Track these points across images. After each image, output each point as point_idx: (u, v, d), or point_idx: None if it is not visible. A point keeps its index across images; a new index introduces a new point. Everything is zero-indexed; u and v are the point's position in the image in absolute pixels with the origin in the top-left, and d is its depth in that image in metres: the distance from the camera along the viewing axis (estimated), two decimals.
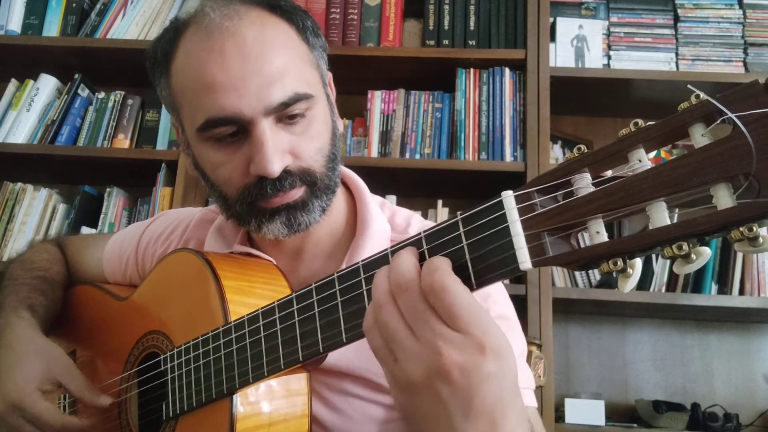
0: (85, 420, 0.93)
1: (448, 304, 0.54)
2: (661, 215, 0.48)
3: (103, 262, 1.15)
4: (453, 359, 0.53)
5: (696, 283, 2.08)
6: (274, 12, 0.85)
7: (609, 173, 0.52)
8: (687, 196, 0.47)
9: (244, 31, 0.81)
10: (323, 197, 0.86)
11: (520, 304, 1.97)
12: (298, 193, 0.83)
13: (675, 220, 0.47)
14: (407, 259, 0.58)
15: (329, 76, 0.95)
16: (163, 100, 0.92)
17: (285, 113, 0.81)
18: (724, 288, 2.07)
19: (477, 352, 0.53)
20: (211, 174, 0.87)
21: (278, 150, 0.80)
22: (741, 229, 0.44)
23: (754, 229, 0.43)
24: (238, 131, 0.81)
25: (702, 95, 0.46)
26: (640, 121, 0.50)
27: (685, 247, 0.46)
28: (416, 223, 0.99)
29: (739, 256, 2.08)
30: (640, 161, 0.49)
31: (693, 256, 0.47)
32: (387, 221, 0.96)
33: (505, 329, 0.87)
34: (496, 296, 0.91)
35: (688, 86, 0.46)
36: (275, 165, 0.79)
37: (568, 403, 2.05)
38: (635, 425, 2.10)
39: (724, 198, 0.45)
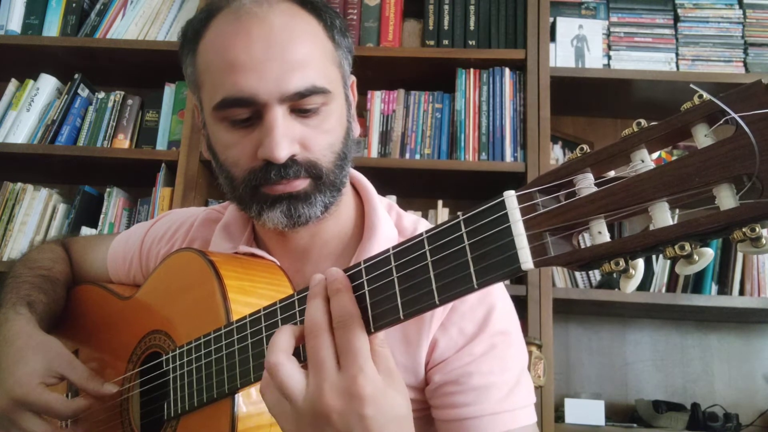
0: (91, 404, 0.94)
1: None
2: (663, 215, 0.48)
3: (107, 261, 1.16)
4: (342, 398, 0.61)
5: (696, 283, 2.08)
6: (304, 7, 0.87)
7: (611, 173, 0.52)
8: (690, 196, 0.47)
9: (273, 18, 0.83)
10: (327, 193, 0.86)
11: (521, 304, 1.97)
12: (302, 184, 0.84)
13: (677, 221, 0.47)
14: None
15: (352, 80, 0.96)
16: (187, 79, 0.93)
17: (300, 104, 0.82)
18: (724, 288, 2.07)
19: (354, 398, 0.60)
20: (221, 154, 0.88)
21: (287, 137, 0.81)
22: (743, 229, 0.43)
23: (757, 229, 0.43)
24: (252, 117, 0.83)
25: (705, 95, 0.46)
26: (643, 122, 0.50)
27: (687, 247, 0.46)
28: (422, 227, 0.98)
29: (740, 256, 2.08)
30: (642, 161, 0.49)
31: (695, 257, 0.47)
32: (394, 225, 0.97)
33: (504, 345, 0.88)
34: (501, 309, 0.90)
35: (691, 86, 0.46)
36: (282, 150, 0.80)
37: (568, 403, 2.05)
38: (635, 425, 2.10)
39: (726, 198, 0.45)
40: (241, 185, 0.85)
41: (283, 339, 0.64)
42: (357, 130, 0.94)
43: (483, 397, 0.84)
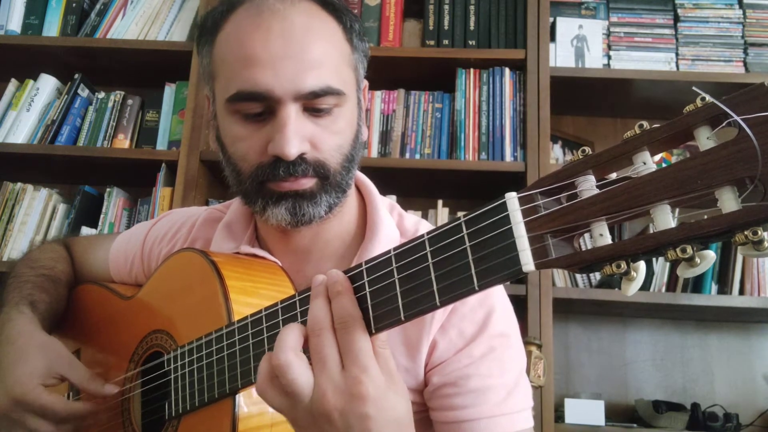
0: (90, 406, 0.94)
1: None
2: (665, 218, 0.47)
3: (109, 261, 1.16)
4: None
5: (696, 283, 2.08)
6: (325, 8, 0.88)
7: (613, 175, 0.52)
8: (691, 199, 0.47)
9: (294, 16, 0.83)
10: (332, 194, 0.87)
11: (521, 304, 1.97)
12: (308, 183, 0.84)
13: (677, 222, 0.47)
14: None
15: (365, 84, 0.96)
16: (202, 69, 0.94)
17: (313, 104, 0.83)
18: (724, 288, 2.07)
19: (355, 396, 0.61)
20: (230, 147, 0.88)
21: (299, 135, 0.82)
22: (745, 232, 0.43)
23: (759, 232, 0.43)
24: (264, 112, 0.83)
25: (707, 98, 0.46)
26: (645, 124, 0.49)
27: (689, 250, 0.46)
28: (423, 228, 0.98)
29: (740, 256, 2.08)
30: (644, 163, 0.49)
31: (697, 260, 0.46)
32: (396, 226, 0.97)
33: (503, 348, 0.88)
34: (501, 311, 0.90)
35: (693, 89, 0.46)
36: (293, 147, 0.80)
37: (568, 403, 2.05)
38: (635, 425, 2.11)
39: (729, 201, 0.45)
40: (248, 179, 0.86)
41: (292, 336, 0.64)
42: (365, 133, 0.94)
43: (481, 399, 0.84)
